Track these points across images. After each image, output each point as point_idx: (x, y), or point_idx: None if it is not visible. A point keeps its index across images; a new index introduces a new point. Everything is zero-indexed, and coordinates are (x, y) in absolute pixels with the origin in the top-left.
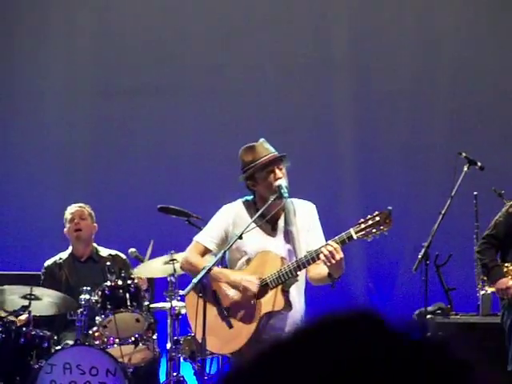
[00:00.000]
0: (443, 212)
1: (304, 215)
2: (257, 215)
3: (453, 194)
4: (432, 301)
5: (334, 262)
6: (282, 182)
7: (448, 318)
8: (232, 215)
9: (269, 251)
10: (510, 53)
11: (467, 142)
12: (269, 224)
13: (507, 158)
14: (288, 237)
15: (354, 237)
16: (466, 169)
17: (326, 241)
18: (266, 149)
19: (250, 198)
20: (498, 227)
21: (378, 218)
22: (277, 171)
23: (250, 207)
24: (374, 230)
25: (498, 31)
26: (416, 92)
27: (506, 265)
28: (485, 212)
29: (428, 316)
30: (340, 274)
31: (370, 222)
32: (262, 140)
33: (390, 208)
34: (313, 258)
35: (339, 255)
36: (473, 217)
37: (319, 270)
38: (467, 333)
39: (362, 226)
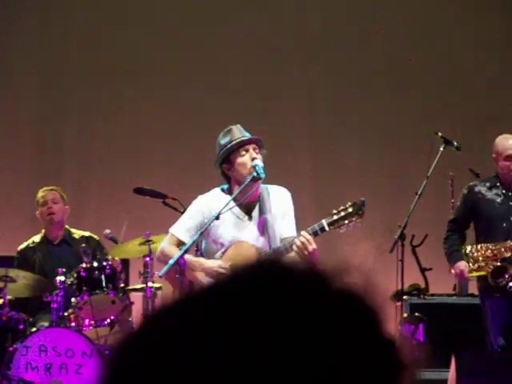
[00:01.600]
0: (419, 192)
1: (279, 201)
2: (234, 195)
3: (429, 174)
4: (408, 282)
5: (306, 253)
6: (259, 162)
7: (424, 299)
8: (207, 206)
9: (243, 242)
10: (485, 30)
11: (443, 121)
12: (244, 212)
13: (484, 137)
14: (263, 225)
15: (327, 228)
16: (442, 149)
17: (297, 229)
18: (242, 131)
19: (225, 186)
20: (457, 211)
21: (350, 210)
22: (251, 151)
23: (226, 196)
24: (346, 222)
25: (473, 9)
26: (391, 71)
27: (467, 247)
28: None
29: (404, 296)
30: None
31: (343, 214)
32: (238, 125)
33: (362, 199)
34: (286, 248)
35: (312, 246)
36: (449, 197)
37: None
38: (444, 313)
39: (335, 217)
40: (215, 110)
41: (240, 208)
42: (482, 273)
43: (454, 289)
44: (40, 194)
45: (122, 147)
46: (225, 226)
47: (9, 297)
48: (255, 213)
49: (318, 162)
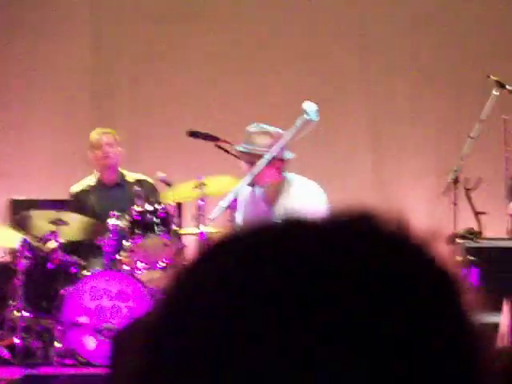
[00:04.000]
0: (474, 136)
1: (294, 198)
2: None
3: (482, 117)
4: (462, 225)
5: None
6: (307, 105)
7: (478, 242)
8: None
9: None
10: None
11: (496, 64)
12: (266, 199)
13: None
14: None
15: None
16: (494, 92)
17: None
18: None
19: None
20: None
21: None
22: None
23: None
24: None
25: None
26: (443, 15)
27: None
28: None
29: (458, 240)
30: None
31: None
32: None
33: None
34: None
35: None
36: (502, 141)
37: None
38: (497, 257)
39: None
40: (266, 54)
41: (265, 192)
42: None
43: (508, 232)
44: (94, 136)
45: (175, 90)
46: (247, 209)
47: (61, 240)
48: (278, 201)
49: (371, 104)
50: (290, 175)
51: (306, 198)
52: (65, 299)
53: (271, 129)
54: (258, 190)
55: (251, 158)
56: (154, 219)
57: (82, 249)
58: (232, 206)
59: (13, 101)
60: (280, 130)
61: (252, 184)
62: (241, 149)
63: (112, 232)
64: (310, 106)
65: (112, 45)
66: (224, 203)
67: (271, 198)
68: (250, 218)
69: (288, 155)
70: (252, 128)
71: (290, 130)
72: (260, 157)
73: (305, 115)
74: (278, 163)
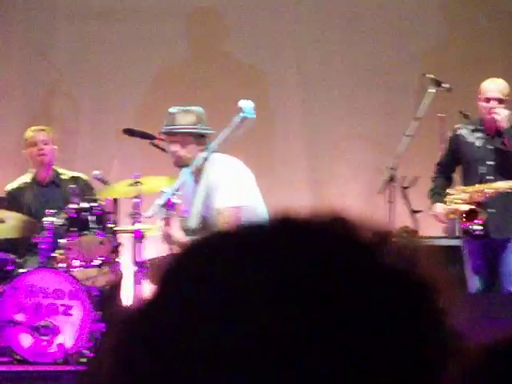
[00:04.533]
0: (408, 134)
1: (212, 172)
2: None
3: (417, 115)
4: (398, 224)
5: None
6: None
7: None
8: None
9: None
10: None
11: (433, 62)
12: (194, 177)
13: (474, 79)
14: (200, 195)
15: None
16: (431, 90)
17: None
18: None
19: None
20: (442, 154)
21: None
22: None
23: None
24: None
25: None
26: (380, 13)
27: (450, 191)
28: None
29: (393, 238)
30: None
31: None
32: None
33: None
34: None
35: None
36: (438, 139)
37: None
38: (433, 255)
39: None
40: (208, 49)
41: (193, 173)
42: (454, 215)
43: (444, 231)
44: (29, 133)
45: (112, 88)
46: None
47: None
48: (200, 179)
49: (306, 102)
50: (213, 153)
51: (226, 174)
52: (1, 297)
53: (192, 108)
54: (188, 171)
55: (177, 138)
56: (90, 217)
57: (18, 246)
58: (168, 204)
59: None
60: (201, 109)
61: (180, 166)
62: (165, 130)
63: (48, 230)
64: (246, 104)
65: (47, 35)
66: (160, 201)
67: (197, 176)
68: (185, 200)
69: (208, 131)
70: (173, 109)
71: (228, 128)
72: (187, 135)
73: (241, 113)
74: (201, 141)
